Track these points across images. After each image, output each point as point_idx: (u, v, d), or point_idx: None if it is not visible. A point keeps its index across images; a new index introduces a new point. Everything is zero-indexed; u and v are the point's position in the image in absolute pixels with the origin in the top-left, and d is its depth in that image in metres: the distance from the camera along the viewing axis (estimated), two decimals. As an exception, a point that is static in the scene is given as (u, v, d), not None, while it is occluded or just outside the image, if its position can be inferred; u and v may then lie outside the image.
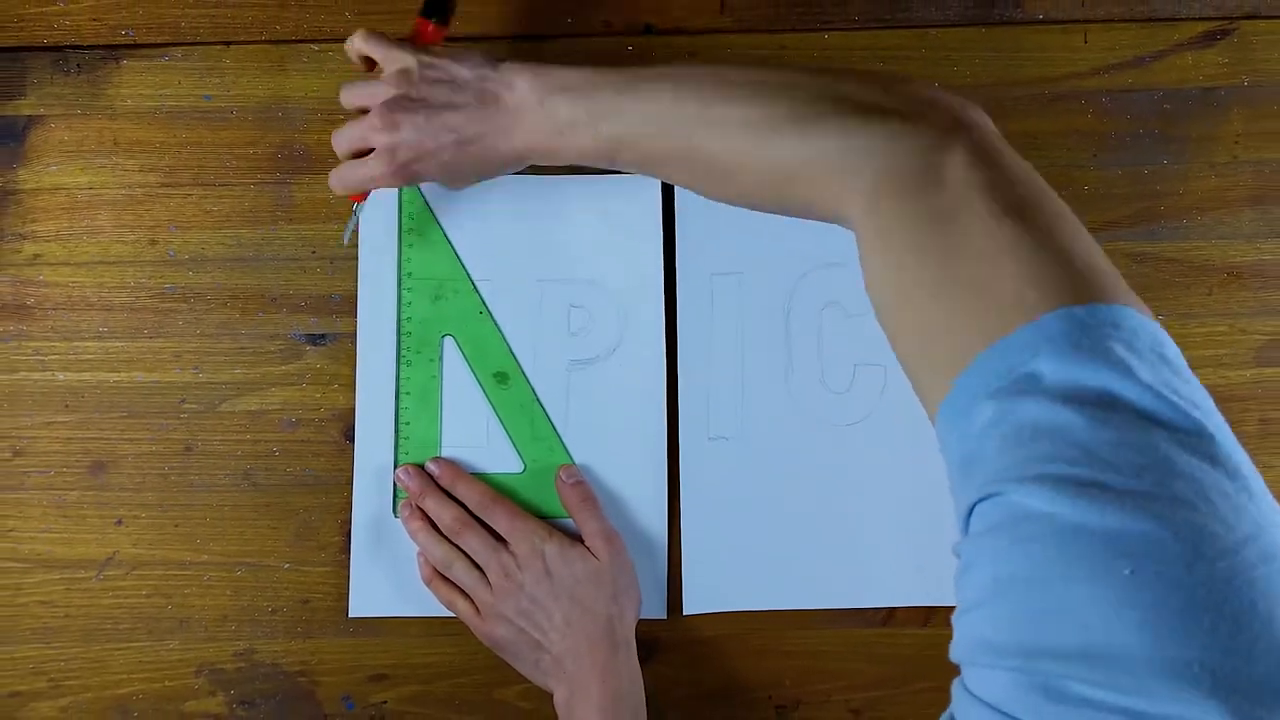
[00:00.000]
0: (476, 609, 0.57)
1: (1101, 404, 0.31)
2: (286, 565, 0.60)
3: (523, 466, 0.59)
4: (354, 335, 0.60)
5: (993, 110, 0.60)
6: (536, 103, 0.50)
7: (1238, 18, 0.61)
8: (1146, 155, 0.61)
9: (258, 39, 0.61)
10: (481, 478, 0.59)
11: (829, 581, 0.60)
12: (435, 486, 0.59)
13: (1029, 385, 0.32)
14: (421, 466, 0.59)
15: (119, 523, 0.60)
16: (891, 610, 0.60)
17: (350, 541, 0.59)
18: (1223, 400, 0.60)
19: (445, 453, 0.59)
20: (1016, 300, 0.34)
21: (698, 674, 0.60)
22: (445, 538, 0.58)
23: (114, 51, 0.61)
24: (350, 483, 0.59)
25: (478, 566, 0.57)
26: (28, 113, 0.60)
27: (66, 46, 0.61)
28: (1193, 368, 0.60)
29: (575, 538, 0.57)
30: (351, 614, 0.59)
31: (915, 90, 0.43)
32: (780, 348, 0.61)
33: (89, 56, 0.61)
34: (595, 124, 0.49)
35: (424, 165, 0.51)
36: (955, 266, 0.37)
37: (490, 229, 0.60)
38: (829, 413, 0.60)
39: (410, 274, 0.59)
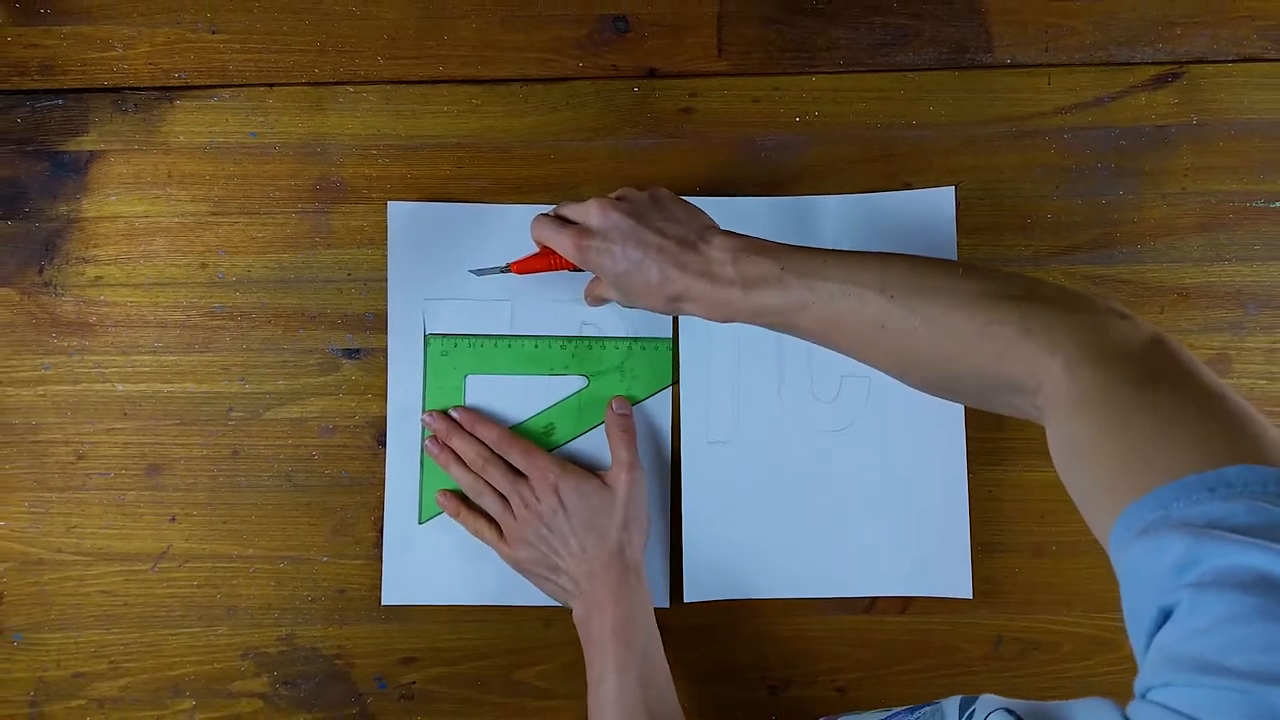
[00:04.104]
0: (502, 536, 0.62)
1: None
2: (325, 558, 0.65)
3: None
4: (386, 350, 0.65)
5: (965, 146, 0.66)
6: (729, 258, 0.53)
7: (1187, 62, 0.66)
8: (1104, 187, 0.66)
9: (298, 81, 0.66)
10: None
11: (817, 573, 0.64)
12: (460, 428, 0.64)
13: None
14: (445, 413, 0.64)
15: (172, 520, 0.65)
16: (874, 599, 0.65)
17: (383, 537, 0.64)
18: (1172, 409, 0.66)
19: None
20: (1237, 443, 0.35)
21: (697, 656, 0.65)
22: (472, 471, 0.63)
23: (168, 93, 0.66)
24: (383, 484, 0.65)
25: (502, 497, 0.62)
26: (90, 148, 0.66)
27: (125, 88, 0.66)
28: (1144, 380, 0.66)
29: (588, 471, 0.62)
30: (384, 602, 0.64)
31: (1113, 302, 0.46)
32: (773, 360, 0.65)
33: (145, 97, 0.66)
34: (785, 279, 0.51)
35: (603, 260, 0.55)
36: (1161, 413, 0.38)
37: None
38: (818, 420, 0.65)
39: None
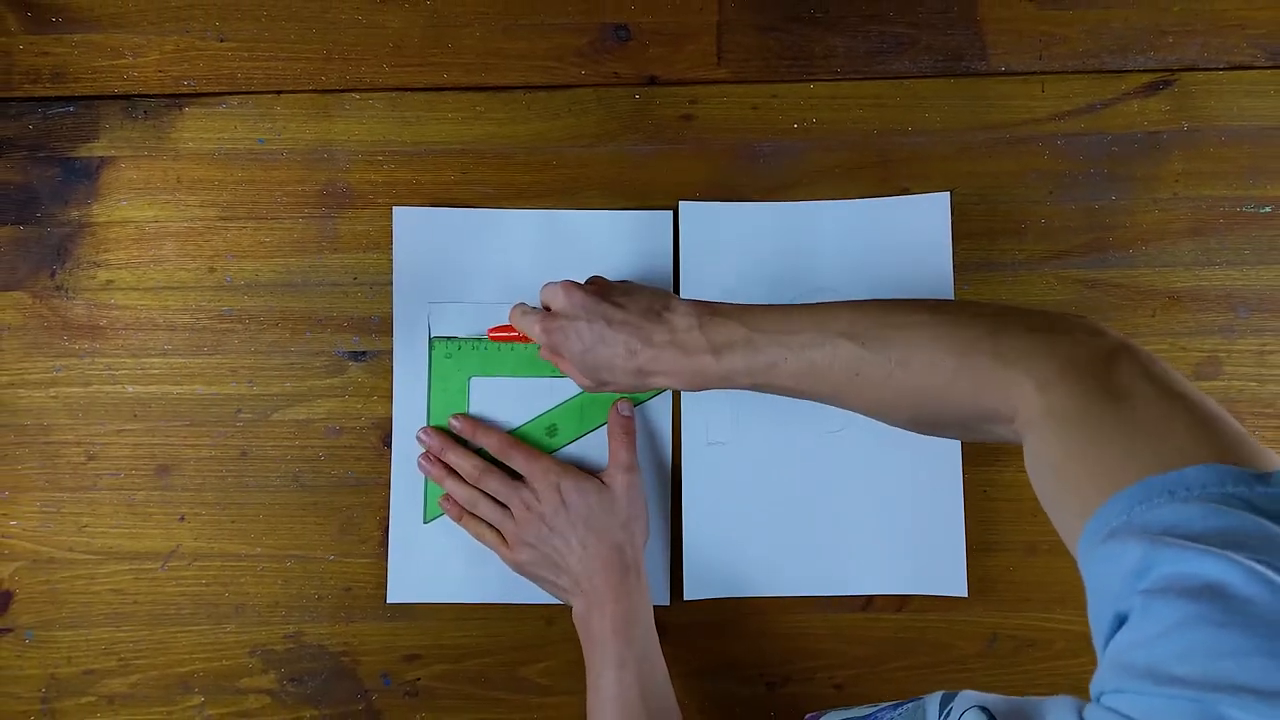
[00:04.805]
0: (503, 540, 0.63)
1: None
2: (331, 557, 0.66)
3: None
4: (391, 353, 0.66)
5: (960, 152, 0.67)
6: (695, 324, 0.54)
7: (1178, 70, 0.67)
8: (1097, 192, 0.67)
9: (305, 89, 0.67)
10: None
11: (814, 571, 0.65)
12: (455, 441, 0.65)
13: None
14: (439, 428, 0.65)
15: (181, 519, 0.66)
16: (870, 597, 0.66)
17: (388, 536, 0.65)
18: (1163, 411, 0.67)
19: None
20: (1199, 444, 0.36)
21: (696, 653, 0.66)
22: (469, 483, 0.64)
23: (177, 100, 0.67)
24: (388, 484, 0.66)
25: (500, 504, 0.63)
26: (100, 154, 0.67)
27: (135, 95, 0.67)
28: (1136, 382, 0.67)
29: (589, 473, 0.64)
30: (389, 600, 0.65)
31: (1084, 319, 0.46)
32: (772, 362, 0.67)
33: (155, 104, 0.67)
34: (754, 340, 0.52)
35: (568, 340, 0.57)
36: (1127, 422, 0.39)
37: (513, 260, 0.66)
38: (814, 421, 0.66)
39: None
